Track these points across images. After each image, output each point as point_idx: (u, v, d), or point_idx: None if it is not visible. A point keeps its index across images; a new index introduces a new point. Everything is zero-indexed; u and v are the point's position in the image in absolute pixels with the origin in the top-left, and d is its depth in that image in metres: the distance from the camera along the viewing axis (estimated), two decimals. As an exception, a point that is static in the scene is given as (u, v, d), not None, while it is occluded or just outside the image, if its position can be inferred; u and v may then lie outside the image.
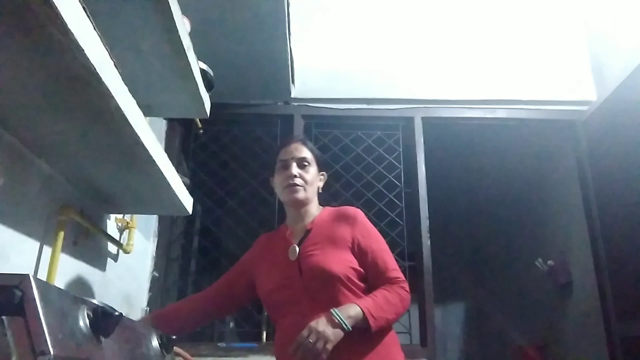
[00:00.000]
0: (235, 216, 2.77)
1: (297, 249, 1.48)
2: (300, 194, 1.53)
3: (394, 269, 1.43)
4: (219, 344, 2.38)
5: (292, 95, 2.74)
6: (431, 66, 2.85)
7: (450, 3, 2.99)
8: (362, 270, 1.42)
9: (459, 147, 3.73)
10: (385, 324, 1.34)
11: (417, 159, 2.66)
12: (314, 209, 1.58)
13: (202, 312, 1.63)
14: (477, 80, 2.82)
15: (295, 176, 1.52)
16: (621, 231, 2.32)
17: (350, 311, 1.30)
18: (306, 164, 1.56)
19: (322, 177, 1.63)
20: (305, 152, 1.58)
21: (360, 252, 1.44)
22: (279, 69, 2.47)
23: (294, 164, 1.54)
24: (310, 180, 1.55)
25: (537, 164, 3.55)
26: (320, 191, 1.62)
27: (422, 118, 2.74)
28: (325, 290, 1.38)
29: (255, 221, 2.67)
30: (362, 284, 1.41)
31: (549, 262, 3.25)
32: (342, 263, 1.40)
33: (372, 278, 1.43)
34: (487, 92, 2.80)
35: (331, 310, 1.29)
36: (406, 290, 1.41)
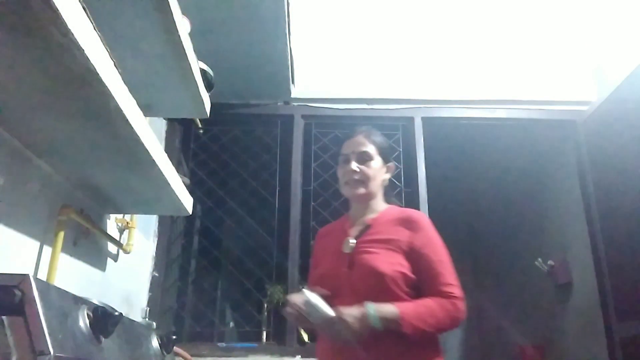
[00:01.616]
0: (235, 216, 2.77)
1: (353, 242, 1.45)
2: (360, 190, 1.48)
3: (449, 283, 1.35)
4: (219, 344, 2.38)
5: (292, 95, 2.74)
6: (431, 66, 2.85)
7: (450, 3, 2.99)
8: (413, 276, 1.36)
9: (459, 147, 3.73)
10: (421, 334, 1.27)
11: (417, 159, 2.66)
12: (378, 205, 1.53)
13: None
14: (477, 80, 2.82)
15: (355, 171, 1.48)
16: (621, 231, 2.32)
17: (386, 311, 1.26)
18: (368, 158, 1.49)
19: (387, 169, 1.56)
20: (367, 146, 1.51)
21: (416, 259, 1.37)
22: (279, 69, 2.47)
23: (355, 159, 1.50)
24: (372, 174, 1.49)
25: (537, 164, 3.55)
26: (386, 184, 1.56)
27: (422, 118, 2.74)
28: (369, 289, 1.33)
29: (255, 221, 2.68)
30: (409, 290, 1.35)
31: (549, 262, 3.24)
32: (393, 265, 1.35)
33: (425, 288, 1.36)
34: (487, 92, 2.80)
35: (366, 303, 1.27)
36: (458, 307, 1.32)
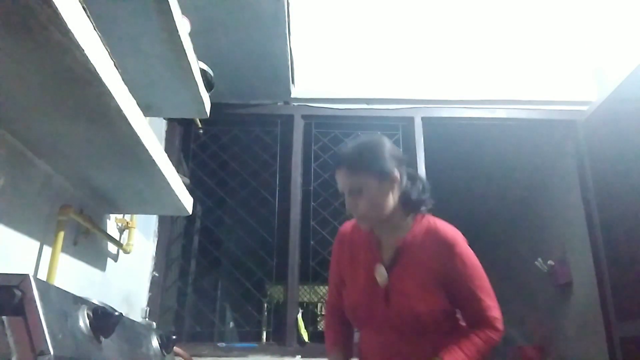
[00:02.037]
0: (235, 216, 2.77)
1: (386, 275, 1.36)
2: (365, 223, 1.36)
3: (488, 306, 1.32)
4: (219, 344, 2.38)
5: (292, 95, 2.74)
6: (431, 66, 2.85)
7: (450, 3, 2.99)
8: (452, 308, 1.34)
9: (459, 147, 3.73)
10: None
11: (417, 159, 2.66)
12: (402, 221, 1.38)
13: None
14: (477, 80, 2.82)
15: (353, 209, 1.35)
16: (621, 231, 2.32)
17: None
18: (358, 191, 1.32)
19: (391, 183, 1.34)
20: (353, 179, 1.32)
21: (454, 287, 1.33)
22: (279, 69, 2.47)
23: (348, 194, 1.35)
24: (371, 205, 1.32)
25: (537, 164, 3.55)
26: (399, 191, 1.36)
27: (422, 118, 2.74)
28: (407, 326, 1.32)
29: (255, 221, 2.68)
30: (448, 320, 1.35)
31: (549, 262, 3.25)
32: (431, 305, 1.30)
33: (466, 314, 1.36)
34: (487, 92, 2.80)
35: None
36: (498, 330, 1.32)
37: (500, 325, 1.32)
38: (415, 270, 1.34)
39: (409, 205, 1.38)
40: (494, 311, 1.32)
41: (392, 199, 1.34)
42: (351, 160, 1.34)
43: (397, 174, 1.34)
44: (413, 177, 1.42)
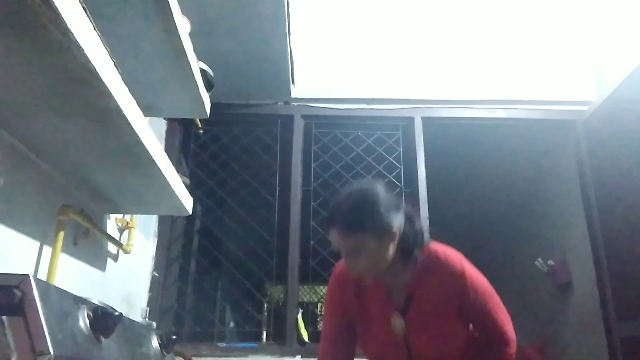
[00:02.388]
0: (235, 216, 2.77)
1: (402, 323, 1.32)
2: (366, 279, 1.30)
3: (503, 325, 1.35)
4: (219, 344, 2.38)
5: (292, 95, 2.74)
6: (431, 66, 2.85)
7: (450, 3, 2.99)
8: (471, 334, 1.36)
9: (459, 147, 3.73)
10: None
11: (417, 159, 2.66)
12: (406, 265, 1.32)
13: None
14: (477, 80, 2.82)
15: (352, 269, 1.28)
16: (621, 231, 2.32)
17: None
18: (356, 252, 1.24)
19: (390, 238, 1.26)
20: (349, 240, 1.23)
21: (471, 314, 1.33)
22: (279, 69, 2.47)
23: (344, 254, 1.27)
24: (370, 263, 1.25)
25: (537, 164, 3.55)
26: (397, 243, 1.28)
27: (422, 118, 2.74)
28: None
29: (255, 221, 2.68)
30: (471, 350, 1.36)
31: (549, 262, 3.24)
32: (455, 341, 1.31)
33: (483, 333, 1.38)
34: (487, 92, 2.80)
35: None
36: (513, 347, 1.35)
37: (512, 341, 1.35)
38: (431, 310, 1.31)
39: (409, 250, 1.31)
40: (509, 330, 1.36)
41: (391, 251, 1.27)
42: (347, 221, 1.24)
43: (396, 227, 1.25)
44: (411, 219, 1.33)
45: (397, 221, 1.26)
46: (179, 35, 1.26)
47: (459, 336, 1.32)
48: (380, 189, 1.28)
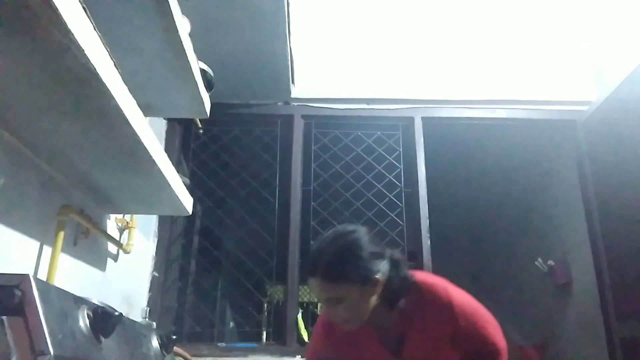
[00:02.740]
0: (235, 216, 2.77)
1: None
2: (349, 328, 1.26)
3: (494, 340, 1.35)
4: (219, 344, 2.38)
5: (292, 95, 2.74)
6: (431, 66, 2.85)
7: (450, 3, 2.99)
8: (463, 354, 1.35)
9: (459, 147, 3.73)
10: None
11: (417, 159, 2.66)
12: (392, 305, 1.29)
13: None
14: (477, 80, 2.82)
15: (335, 317, 1.25)
16: (621, 231, 2.32)
17: None
18: (337, 302, 1.21)
19: (372, 287, 1.22)
20: (331, 290, 1.20)
21: (463, 339, 1.31)
22: (279, 69, 2.47)
23: (325, 304, 1.25)
24: (353, 312, 1.22)
25: (537, 164, 3.55)
26: (380, 292, 1.24)
27: (422, 118, 2.74)
28: None
29: (255, 221, 2.68)
30: None
31: (549, 262, 3.25)
32: None
33: (474, 350, 1.35)
34: (487, 92, 2.80)
35: None
36: (503, 355, 1.35)
37: (505, 353, 1.36)
38: (426, 347, 1.31)
39: (395, 297, 1.28)
40: (500, 341, 1.35)
41: (374, 299, 1.23)
42: (328, 271, 1.20)
43: (380, 275, 1.22)
44: (397, 264, 1.30)
45: (382, 269, 1.23)
46: (179, 35, 1.26)
47: None
48: (364, 235, 1.25)
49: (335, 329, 1.34)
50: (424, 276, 1.35)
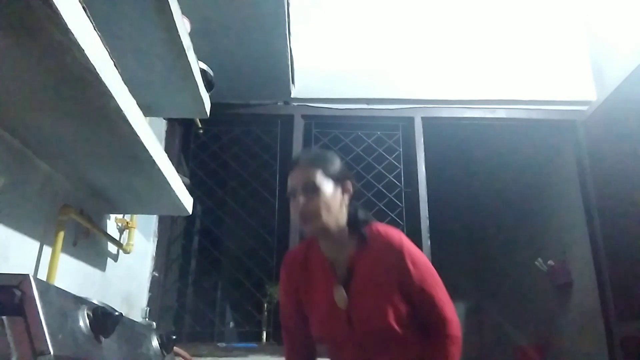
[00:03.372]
0: (235, 216, 2.77)
1: (344, 295, 1.36)
2: (311, 226, 1.33)
3: (443, 305, 1.35)
4: (219, 344, 2.38)
5: (292, 95, 2.74)
6: (431, 66, 2.85)
7: (450, 3, 2.99)
8: (411, 313, 1.35)
9: (459, 147, 3.73)
10: None
11: (417, 159, 2.66)
12: (348, 236, 1.38)
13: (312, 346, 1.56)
14: (477, 80, 2.82)
15: (302, 206, 1.32)
16: (621, 231, 2.32)
17: None
18: (314, 188, 1.31)
19: (344, 189, 1.38)
20: (311, 175, 1.33)
21: (410, 289, 1.34)
22: (279, 69, 2.47)
23: (301, 192, 1.33)
24: (321, 206, 1.31)
25: (537, 164, 3.55)
26: (347, 203, 1.38)
27: (422, 118, 2.74)
28: (375, 342, 1.35)
29: (255, 221, 2.68)
30: (412, 324, 1.35)
31: (549, 262, 3.24)
32: (395, 314, 1.31)
33: (423, 317, 1.37)
34: (487, 92, 2.80)
35: None
36: (458, 336, 1.36)
37: (457, 330, 1.35)
38: (372, 285, 1.35)
39: (356, 223, 1.38)
40: (449, 311, 1.35)
41: (343, 211, 1.36)
42: (311, 158, 1.39)
43: (349, 185, 1.39)
44: (359, 196, 1.43)
45: (351, 186, 1.40)
46: (179, 35, 1.26)
47: (399, 310, 1.32)
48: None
49: (295, 260, 1.48)
50: (383, 225, 1.43)
